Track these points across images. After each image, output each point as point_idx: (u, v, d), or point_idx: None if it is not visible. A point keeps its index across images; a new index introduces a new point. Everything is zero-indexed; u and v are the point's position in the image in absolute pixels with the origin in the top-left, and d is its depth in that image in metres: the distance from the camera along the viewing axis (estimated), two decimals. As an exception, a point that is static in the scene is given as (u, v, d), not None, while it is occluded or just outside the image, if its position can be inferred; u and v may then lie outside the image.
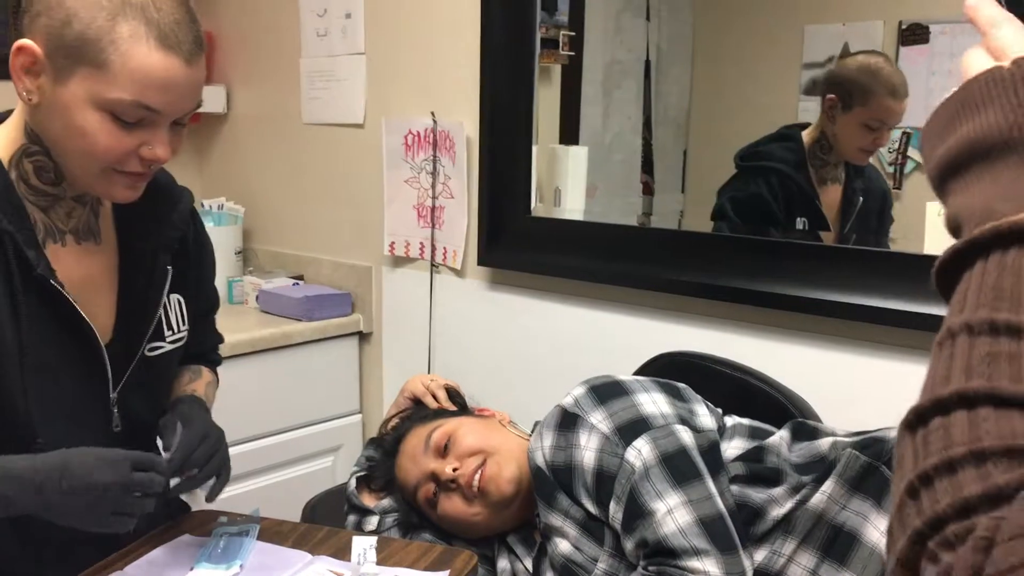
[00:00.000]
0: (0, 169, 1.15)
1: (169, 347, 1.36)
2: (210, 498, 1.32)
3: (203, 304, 1.50)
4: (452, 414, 1.67)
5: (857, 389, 1.69)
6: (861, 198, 2.01)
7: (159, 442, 1.28)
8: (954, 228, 0.59)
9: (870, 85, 1.97)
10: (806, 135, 2.03)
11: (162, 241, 1.31)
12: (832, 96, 1.99)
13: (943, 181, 0.60)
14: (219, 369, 1.60)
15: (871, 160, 2.02)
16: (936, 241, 1.59)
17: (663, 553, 1.30)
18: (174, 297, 1.36)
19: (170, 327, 1.35)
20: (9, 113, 1.23)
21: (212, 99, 2.80)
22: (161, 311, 1.33)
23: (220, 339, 1.62)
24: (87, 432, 1.26)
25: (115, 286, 1.30)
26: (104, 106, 1.09)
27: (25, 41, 1.08)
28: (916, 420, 0.50)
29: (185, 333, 1.39)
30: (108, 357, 1.27)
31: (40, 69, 1.09)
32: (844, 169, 2.02)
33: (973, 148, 0.57)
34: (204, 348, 1.54)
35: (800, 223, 1.99)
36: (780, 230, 1.98)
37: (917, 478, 0.48)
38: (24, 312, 1.15)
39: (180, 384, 1.46)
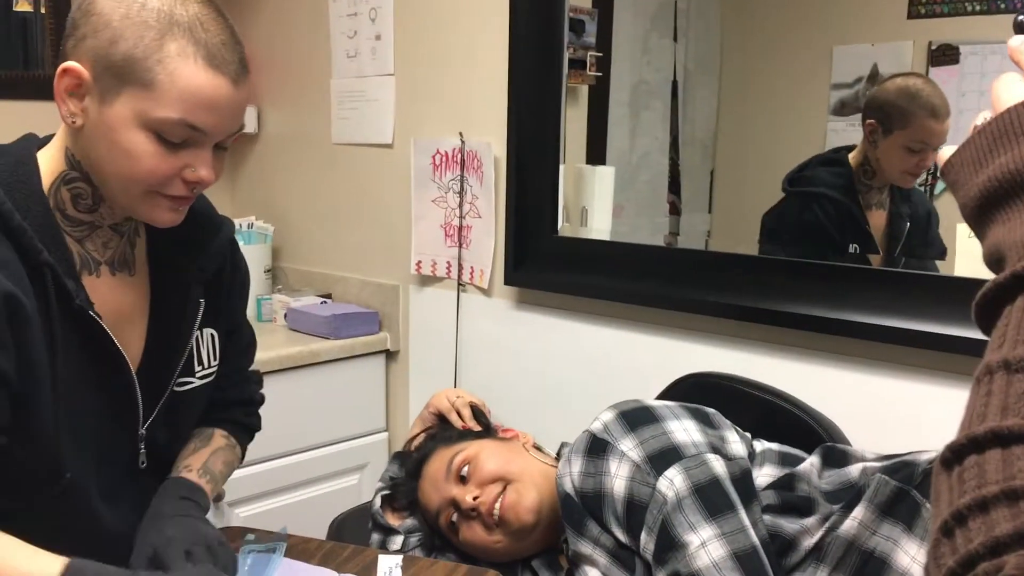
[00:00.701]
0: (42, 199, 1.14)
1: (198, 383, 1.32)
2: None
3: (239, 342, 1.46)
4: (475, 435, 1.67)
5: (886, 411, 1.67)
6: (908, 223, 1.99)
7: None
8: (995, 261, 0.58)
9: (909, 108, 1.95)
10: (851, 159, 2.02)
11: (196, 273, 1.28)
12: (872, 121, 1.97)
13: (982, 212, 0.59)
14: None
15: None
16: (967, 264, 1.57)
17: None
18: (207, 331, 1.33)
19: (200, 362, 1.32)
20: (50, 138, 1.21)
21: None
22: (192, 345, 1.30)
23: (258, 394, 1.53)
24: (114, 468, 1.24)
25: (146, 318, 1.27)
26: (150, 125, 1.08)
27: (71, 63, 1.08)
28: (952, 457, 0.50)
29: (215, 369, 1.36)
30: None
31: (85, 91, 1.09)
32: (889, 193, 2.01)
33: (1015, 180, 0.56)
34: (240, 396, 1.48)
35: (852, 248, 1.97)
36: (836, 256, 1.96)
37: (952, 516, 0.47)
38: (60, 345, 1.13)
39: (182, 457, 1.36)
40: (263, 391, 1.56)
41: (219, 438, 1.42)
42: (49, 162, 1.17)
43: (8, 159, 1.15)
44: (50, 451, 1.15)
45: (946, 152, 0.65)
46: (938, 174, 0.67)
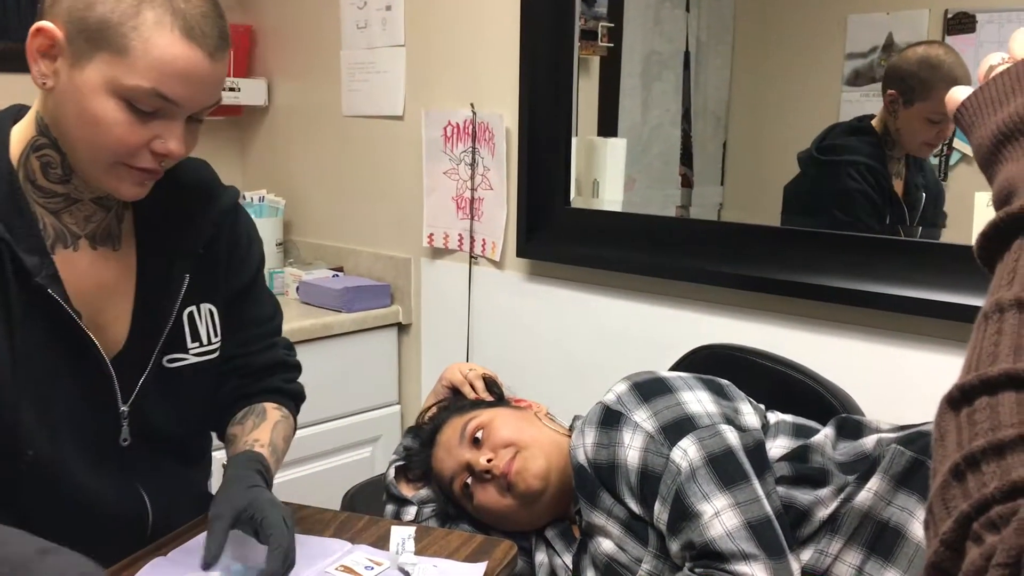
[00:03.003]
0: (8, 170, 1.11)
1: (192, 359, 1.29)
2: None
3: (252, 310, 1.40)
4: (489, 405, 1.67)
5: (900, 382, 1.67)
6: (923, 193, 1.98)
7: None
8: (1005, 196, 0.56)
9: (931, 79, 1.93)
10: (875, 127, 2.00)
11: (182, 247, 1.25)
12: (892, 91, 1.95)
13: (997, 149, 0.58)
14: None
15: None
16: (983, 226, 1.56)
17: (710, 556, 1.29)
18: (204, 307, 1.29)
19: (196, 339, 1.29)
20: (27, 110, 1.19)
21: (253, 92, 2.83)
22: (184, 321, 1.27)
23: (292, 359, 1.47)
24: (89, 445, 1.21)
25: (131, 294, 1.24)
26: (121, 93, 1.05)
27: (44, 23, 1.05)
28: (960, 397, 0.49)
29: (217, 345, 1.32)
30: (118, 368, 1.21)
31: (57, 52, 1.06)
32: (904, 164, 1.99)
33: None
34: (273, 360, 1.42)
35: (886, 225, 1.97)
36: (878, 223, 1.95)
37: (963, 460, 0.47)
38: (18, 322, 1.10)
39: (244, 432, 1.33)
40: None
41: (273, 411, 1.38)
42: (21, 130, 1.14)
43: None
44: (8, 430, 1.12)
45: (958, 93, 0.64)
46: (952, 119, 0.65)
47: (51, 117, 1.11)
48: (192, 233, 1.25)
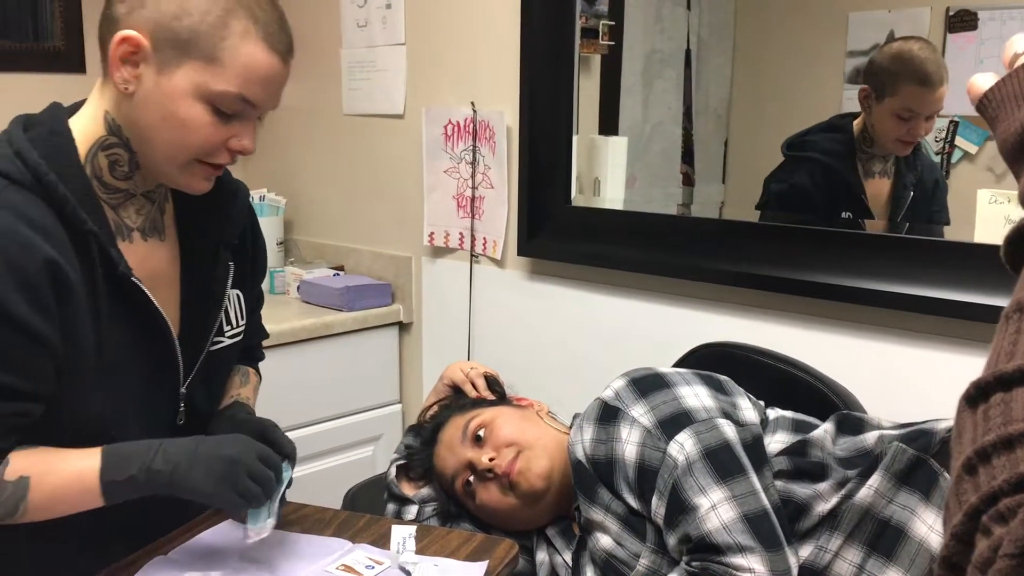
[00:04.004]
0: (80, 168, 1.16)
1: (228, 342, 1.38)
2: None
3: (254, 299, 1.51)
4: (490, 404, 1.67)
5: (902, 379, 1.67)
6: (912, 192, 1.97)
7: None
8: None
9: (900, 73, 1.92)
10: (856, 125, 1.99)
11: (223, 236, 1.33)
12: (865, 87, 1.95)
13: (1023, 146, 0.58)
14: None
15: (923, 149, 1.98)
16: (987, 230, 1.55)
17: (707, 549, 1.29)
18: (234, 292, 1.38)
19: (229, 322, 1.38)
20: (77, 106, 1.23)
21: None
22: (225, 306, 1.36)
23: (265, 334, 1.63)
24: (154, 426, 1.27)
25: (177, 282, 1.31)
26: (208, 98, 1.13)
27: (130, 32, 1.11)
28: (977, 394, 0.50)
29: (243, 328, 1.41)
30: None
31: (141, 59, 1.12)
32: (895, 162, 1.98)
33: None
34: (251, 342, 1.55)
35: (845, 215, 1.95)
36: (822, 221, 1.95)
37: (975, 453, 0.47)
38: (104, 312, 1.16)
39: (232, 386, 1.47)
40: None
41: (253, 376, 1.54)
42: (84, 129, 1.19)
43: (40, 129, 1.17)
44: (94, 416, 1.19)
45: (981, 81, 0.63)
46: (975, 108, 0.64)
47: (126, 119, 1.17)
48: (229, 224, 1.34)
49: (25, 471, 1.13)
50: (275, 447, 1.27)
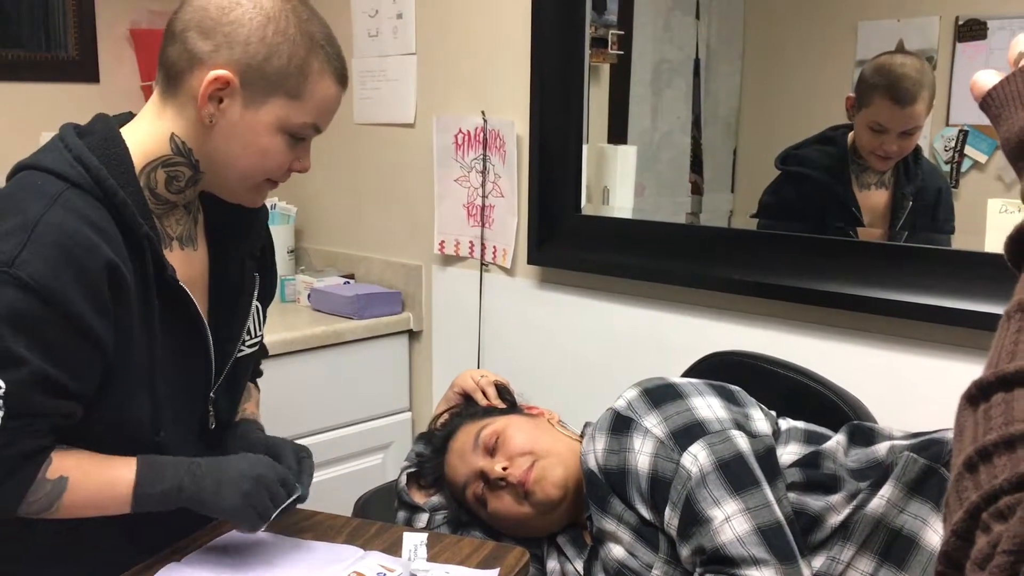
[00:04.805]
0: (135, 177, 1.21)
1: (248, 351, 1.42)
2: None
3: (267, 309, 1.55)
4: (501, 412, 1.67)
5: (913, 389, 1.66)
6: (911, 202, 1.96)
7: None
8: None
9: (874, 85, 1.92)
10: (849, 137, 1.99)
11: (248, 248, 1.39)
12: (850, 96, 1.95)
13: None
14: (271, 367, 1.66)
15: (924, 158, 1.97)
16: (997, 239, 1.55)
17: (721, 561, 1.29)
18: (255, 304, 1.42)
19: (249, 332, 1.42)
20: (122, 117, 1.28)
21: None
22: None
23: (266, 352, 1.65)
24: (191, 429, 1.34)
25: (207, 290, 1.36)
26: (288, 129, 1.23)
27: (222, 72, 1.18)
28: (978, 394, 0.50)
29: (260, 338, 1.46)
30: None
31: (227, 95, 1.19)
32: (894, 172, 1.98)
33: None
34: (262, 354, 1.58)
35: (838, 226, 1.95)
36: (817, 233, 1.95)
37: (976, 452, 0.48)
38: (156, 314, 1.22)
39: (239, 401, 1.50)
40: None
41: (254, 391, 1.58)
42: (143, 144, 1.24)
43: (94, 137, 1.22)
44: (136, 414, 1.23)
45: (984, 79, 0.63)
46: (979, 106, 0.65)
47: (198, 144, 1.24)
48: (254, 236, 1.41)
49: (66, 471, 1.17)
50: (285, 463, 1.33)
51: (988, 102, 0.62)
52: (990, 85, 0.62)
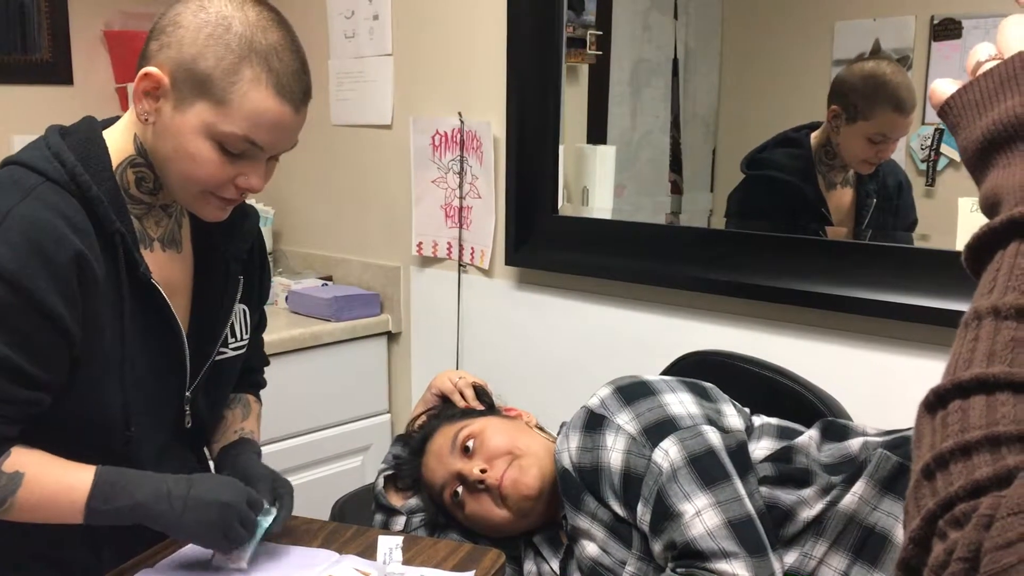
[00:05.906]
0: (111, 175, 1.23)
1: (231, 353, 1.43)
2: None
3: (258, 318, 1.55)
4: (479, 414, 1.67)
5: (888, 387, 1.67)
6: (874, 199, 1.97)
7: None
8: (990, 206, 0.57)
9: (874, 99, 1.93)
10: (814, 137, 1.99)
11: (233, 251, 1.39)
12: (836, 107, 1.95)
13: (983, 156, 0.58)
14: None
15: (904, 155, 1.98)
16: (968, 237, 1.56)
17: (692, 555, 1.29)
18: (239, 307, 1.43)
19: (234, 335, 1.42)
20: (109, 121, 1.31)
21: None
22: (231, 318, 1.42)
23: (267, 361, 1.68)
24: (164, 427, 1.35)
25: (189, 292, 1.37)
26: (215, 136, 1.19)
27: (152, 69, 1.18)
28: (936, 401, 0.51)
29: (246, 342, 1.46)
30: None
31: (161, 94, 1.19)
32: (855, 172, 1.99)
33: (1020, 124, 0.56)
34: (253, 364, 1.59)
35: (808, 228, 1.96)
36: (809, 231, 1.95)
37: (933, 460, 0.48)
38: (127, 310, 1.23)
39: (236, 419, 1.51)
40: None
41: (254, 404, 1.58)
42: (117, 144, 1.27)
43: (77, 136, 1.25)
44: (108, 404, 1.24)
45: (942, 88, 0.63)
46: (937, 113, 0.64)
47: (149, 145, 1.25)
48: (239, 239, 1.40)
49: (22, 467, 1.17)
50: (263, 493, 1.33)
51: (946, 111, 0.62)
52: (948, 94, 0.62)
